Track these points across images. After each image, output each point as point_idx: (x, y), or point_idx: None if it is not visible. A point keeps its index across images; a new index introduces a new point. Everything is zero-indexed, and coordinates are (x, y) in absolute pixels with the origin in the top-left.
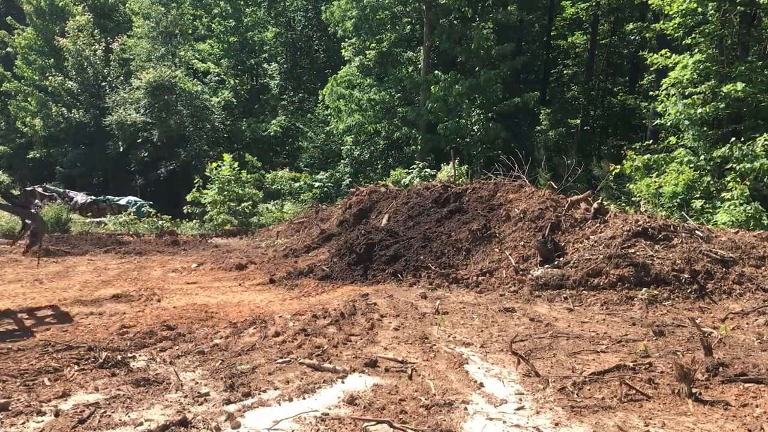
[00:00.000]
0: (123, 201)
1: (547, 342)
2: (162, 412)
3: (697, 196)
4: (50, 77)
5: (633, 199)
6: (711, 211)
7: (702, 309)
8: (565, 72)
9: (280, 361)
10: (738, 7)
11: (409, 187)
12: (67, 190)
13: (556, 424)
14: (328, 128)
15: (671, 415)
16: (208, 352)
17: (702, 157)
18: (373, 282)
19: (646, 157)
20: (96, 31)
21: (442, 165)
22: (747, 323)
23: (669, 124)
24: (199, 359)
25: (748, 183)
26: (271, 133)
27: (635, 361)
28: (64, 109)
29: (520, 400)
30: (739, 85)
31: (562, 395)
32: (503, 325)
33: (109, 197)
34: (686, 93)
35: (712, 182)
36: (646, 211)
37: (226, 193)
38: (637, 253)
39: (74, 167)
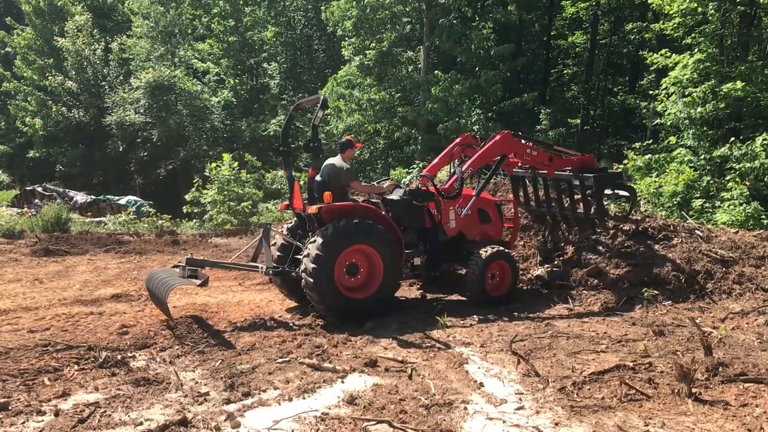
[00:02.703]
0: (123, 200)
1: (546, 342)
2: (162, 412)
3: (697, 195)
4: (50, 77)
5: None
6: (711, 210)
7: (702, 309)
8: (565, 72)
9: (280, 360)
10: (738, 7)
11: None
12: (66, 190)
13: (556, 424)
14: (328, 128)
15: (671, 415)
16: (208, 351)
17: (702, 156)
18: None
19: (646, 156)
20: (95, 30)
21: None
22: (747, 323)
23: (669, 123)
24: (199, 359)
25: (747, 183)
26: (271, 133)
27: (635, 360)
28: (63, 108)
29: (520, 399)
30: (739, 84)
31: (562, 395)
32: (503, 325)
33: (109, 197)
34: (686, 93)
35: (711, 182)
36: (646, 211)
37: (225, 192)
38: (637, 253)
39: (74, 167)
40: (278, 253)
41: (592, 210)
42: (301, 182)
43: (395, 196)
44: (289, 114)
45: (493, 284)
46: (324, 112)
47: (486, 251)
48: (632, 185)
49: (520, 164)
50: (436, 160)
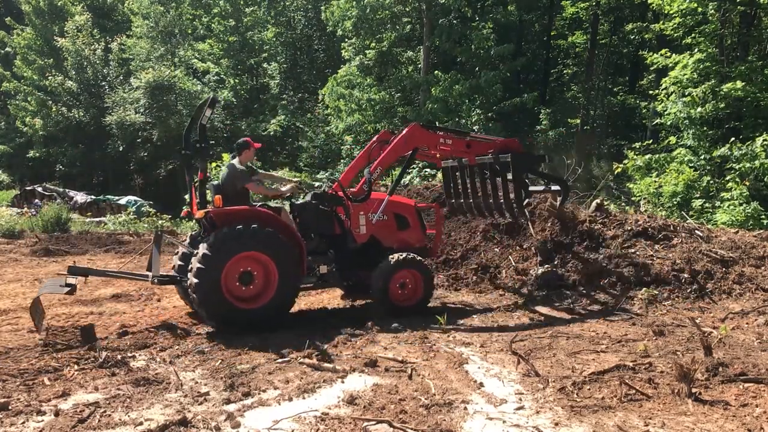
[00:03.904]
0: (123, 200)
1: (546, 342)
2: (162, 412)
3: (697, 195)
4: (50, 77)
5: (633, 199)
6: (711, 210)
7: (702, 309)
8: (565, 72)
9: (279, 360)
10: (738, 7)
11: (409, 187)
12: (66, 190)
13: (556, 424)
14: (328, 128)
15: (671, 415)
16: (208, 351)
17: (702, 156)
18: None
19: (646, 156)
20: (95, 30)
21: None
22: (747, 323)
23: (669, 123)
24: (199, 359)
25: (747, 183)
26: (271, 133)
27: (635, 360)
28: (63, 108)
29: (520, 399)
30: (739, 84)
31: (561, 395)
32: (503, 325)
33: (109, 197)
34: (686, 93)
35: (711, 182)
36: (646, 211)
37: None
38: (637, 253)
39: (74, 167)
40: (180, 262)
41: (512, 195)
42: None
43: (306, 200)
44: (192, 117)
45: (403, 294)
46: (212, 111)
47: (393, 258)
48: (567, 181)
49: (438, 156)
50: (354, 162)
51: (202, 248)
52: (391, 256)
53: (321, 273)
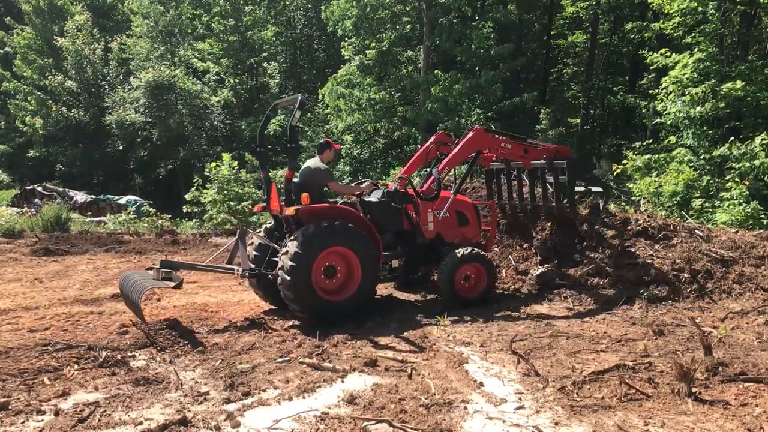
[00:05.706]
0: (122, 200)
1: (546, 341)
2: (162, 411)
3: (697, 195)
4: (50, 77)
5: (633, 198)
6: (710, 210)
7: (702, 309)
8: (565, 71)
9: (279, 360)
10: (738, 7)
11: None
12: (66, 189)
13: (556, 424)
14: (327, 127)
15: (671, 415)
16: (208, 351)
17: (702, 156)
18: None
19: (646, 156)
20: (95, 30)
21: None
22: (747, 323)
23: (669, 123)
24: (199, 358)
25: (747, 182)
26: (271, 133)
27: (635, 360)
28: (63, 108)
29: (520, 399)
30: (739, 84)
31: (561, 394)
32: (503, 325)
33: (109, 196)
34: (686, 92)
35: (711, 182)
36: (645, 210)
37: (225, 192)
38: (637, 253)
39: (74, 166)
40: (255, 255)
41: (564, 199)
42: (279, 184)
43: (374, 197)
44: (266, 115)
45: (466, 286)
46: (300, 112)
47: (459, 252)
48: (607, 184)
49: (494, 158)
50: (411, 160)
51: (292, 246)
52: (456, 251)
53: (393, 267)
